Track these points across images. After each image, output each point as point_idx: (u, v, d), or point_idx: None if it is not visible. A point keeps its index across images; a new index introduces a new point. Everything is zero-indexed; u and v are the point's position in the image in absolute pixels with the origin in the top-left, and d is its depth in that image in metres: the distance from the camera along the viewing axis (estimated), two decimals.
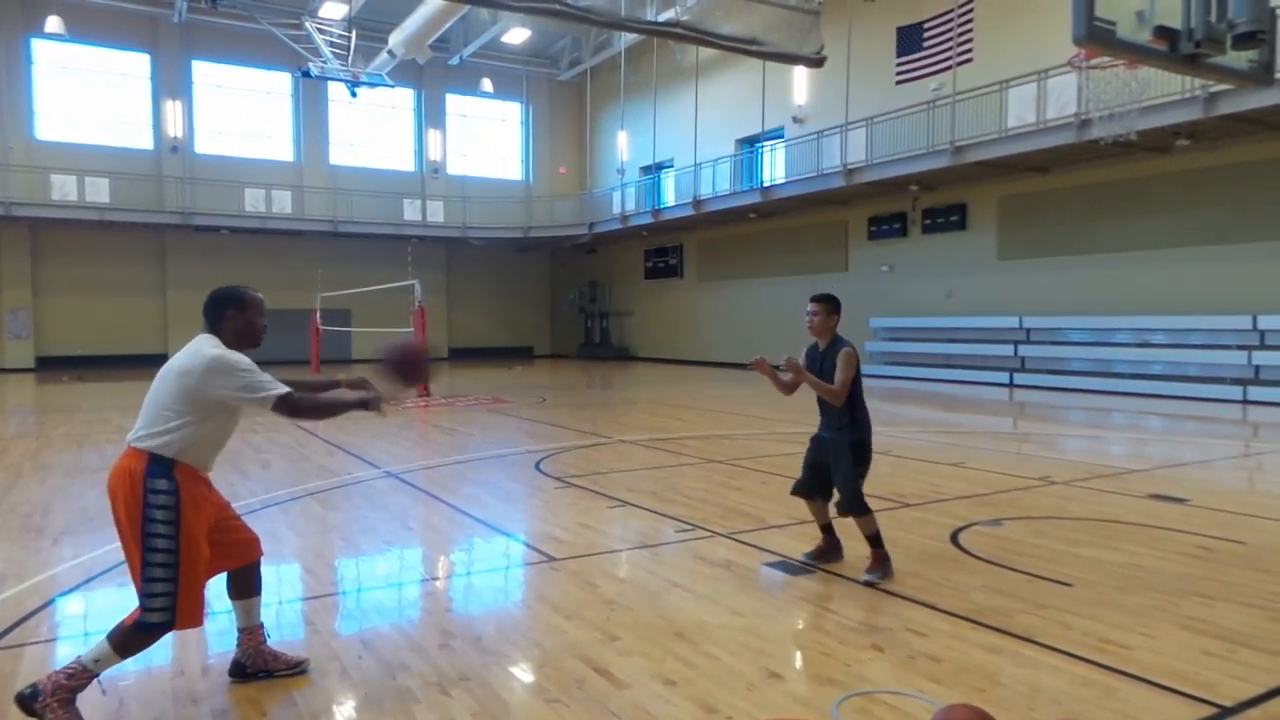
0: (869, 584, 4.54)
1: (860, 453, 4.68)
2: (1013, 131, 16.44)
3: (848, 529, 4.86)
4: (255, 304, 3.30)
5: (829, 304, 4.75)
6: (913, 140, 18.50)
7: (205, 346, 3.14)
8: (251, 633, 3.41)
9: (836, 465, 4.70)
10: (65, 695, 2.91)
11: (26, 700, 2.90)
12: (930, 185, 19.52)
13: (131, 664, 3.55)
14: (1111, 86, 9.35)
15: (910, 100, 18.85)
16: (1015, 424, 12.76)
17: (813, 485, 4.87)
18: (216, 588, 3.51)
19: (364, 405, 3.27)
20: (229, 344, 3.22)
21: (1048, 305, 17.80)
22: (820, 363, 4.73)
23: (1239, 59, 5.19)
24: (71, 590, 4.64)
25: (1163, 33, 4.90)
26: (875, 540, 4.68)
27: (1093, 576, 4.67)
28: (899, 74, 19.04)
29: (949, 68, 17.66)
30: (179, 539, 2.99)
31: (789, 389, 4.87)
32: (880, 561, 4.66)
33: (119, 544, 3.11)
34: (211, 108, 28.13)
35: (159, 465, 3.01)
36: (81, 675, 2.96)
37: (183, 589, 3.00)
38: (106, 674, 3.15)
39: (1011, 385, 17.89)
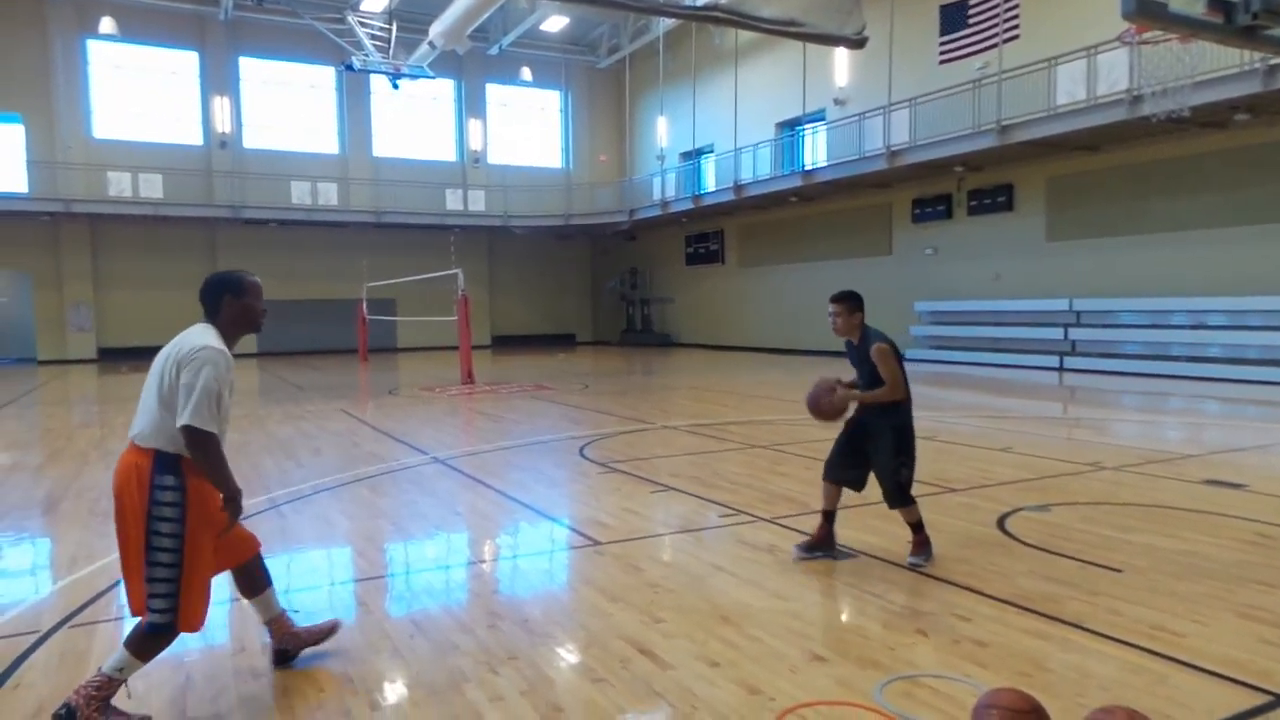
0: (914, 567, 4.53)
1: (902, 438, 4.59)
2: (1061, 109, 16.04)
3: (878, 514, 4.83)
4: (252, 288, 3.19)
5: (848, 302, 4.63)
6: (957, 121, 18.15)
7: (196, 336, 3.05)
8: (278, 622, 3.43)
9: (876, 452, 4.61)
10: (98, 704, 2.91)
11: (64, 719, 2.86)
12: (976, 166, 19.15)
13: (195, 641, 3.70)
14: (1164, 61, 9.07)
15: (954, 80, 18.48)
16: (1065, 409, 12.53)
17: (845, 469, 4.74)
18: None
19: (229, 494, 3.05)
20: (226, 330, 3.13)
21: (1099, 287, 17.39)
22: (861, 356, 4.63)
23: None
24: None
25: (1217, 4, 4.76)
26: (917, 527, 4.67)
27: (1144, 563, 4.59)
28: (943, 53, 18.69)
29: (994, 45, 17.29)
30: (184, 538, 2.93)
31: (839, 415, 4.69)
32: (922, 545, 4.65)
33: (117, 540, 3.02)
34: (258, 103, 28.67)
35: (165, 461, 2.94)
36: (108, 685, 2.94)
37: (184, 591, 2.94)
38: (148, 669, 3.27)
39: (1061, 369, 17.54)
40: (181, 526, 2.93)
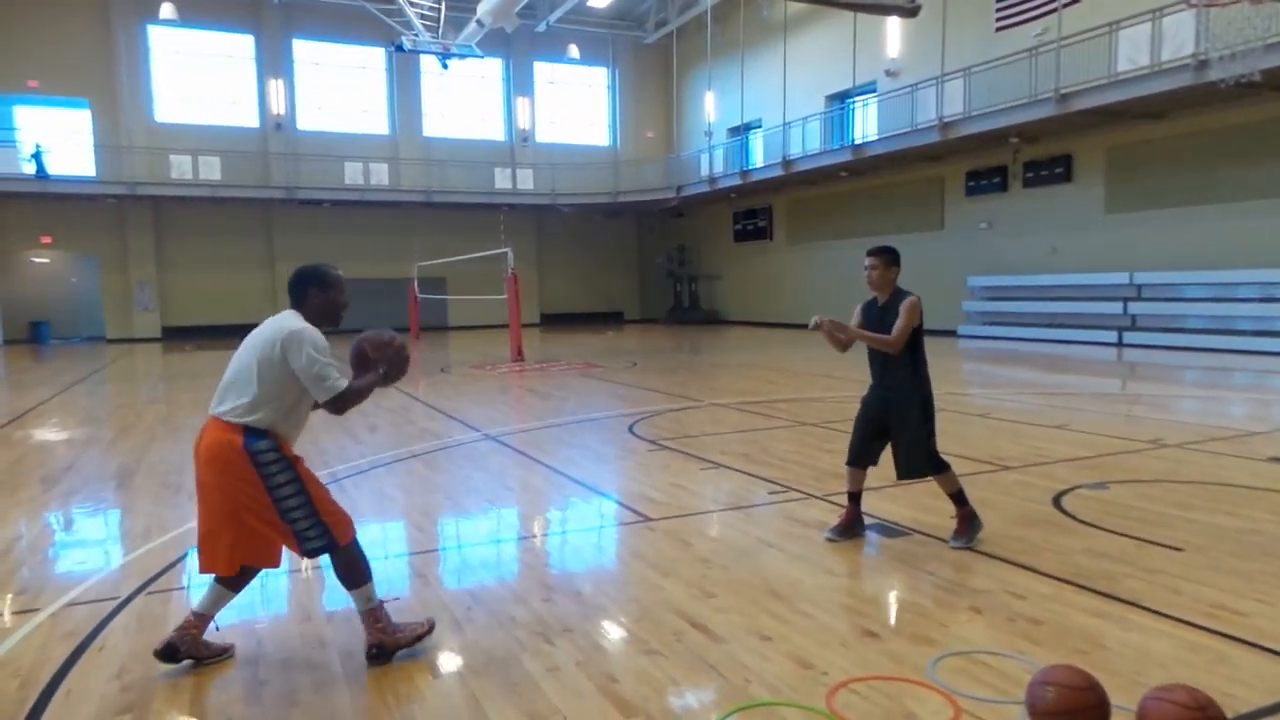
0: (962, 549, 4.49)
1: (928, 407, 4.56)
2: (1123, 76, 15.51)
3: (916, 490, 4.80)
4: (336, 283, 3.41)
5: (887, 256, 4.59)
6: (1014, 90, 17.66)
7: (288, 320, 3.27)
8: (201, 623, 3.34)
9: (903, 423, 4.53)
10: (389, 627, 3.32)
11: (378, 658, 3.28)
12: (1032, 137, 18.64)
13: (263, 610, 3.87)
14: (1233, 25, 8.68)
15: (1011, 47, 17.97)
16: (1124, 385, 12.22)
17: (870, 452, 4.71)
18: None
19: (389, 379, 3.43)
20: (311, 321, 3.32)
21: (1161, 260, 16.85)
22: (880, 317, 4.57)
23: None
24: None
25: None
26: (960, 498, 4.59)
27: (1205, 541, 4.50)
28: (999, 19, 18.14)
29: (1054, 10, 16.73)
30: (300, 477, 3.20)
31: (844, 346, 4.67)
32: (968, 520, 4.58)
33: (202, 507, 3.25)
34: (311, 85, 29.13)
35: (255, 432, 3.17)
36: (377, 614, 3.33)
37: (324, 514, 3.23)
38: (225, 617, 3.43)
39: (1120, 345, 17.10)
40: (294, 472, 3.20)
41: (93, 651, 3.46)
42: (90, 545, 5.24)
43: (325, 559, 3.33)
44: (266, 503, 3.16)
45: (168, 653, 3.24)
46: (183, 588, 4.25)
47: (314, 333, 3.25)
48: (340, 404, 3.26)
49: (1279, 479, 5.86)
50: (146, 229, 27.48)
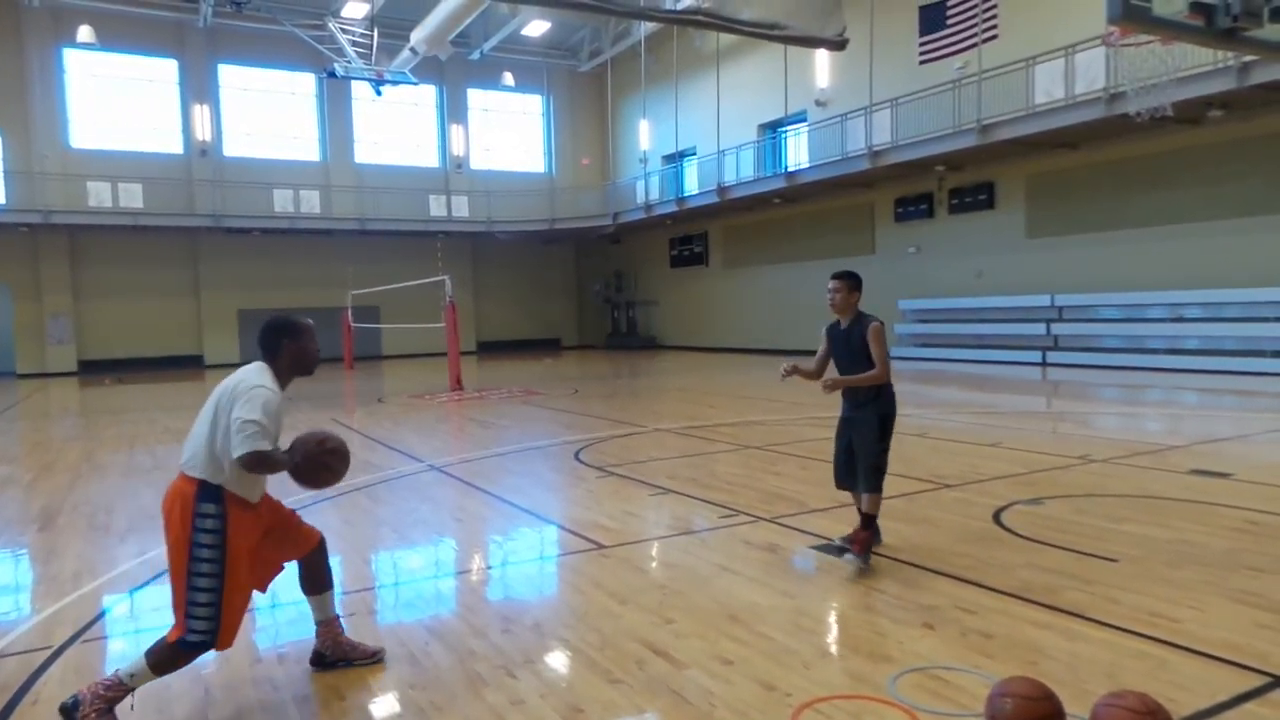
0: (840, 549, 4.63)
1: (886, 426, 4.69)
2: (1040, 108, 16.27)
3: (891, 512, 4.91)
4: (307, 331, 3.38)
5: (850, 280, 4.76)
6: (938, 120, 18.36)
7: (253, 375, 3.20)
8: (328, 625, 3.55)
9: (862, 440, 4.69)
10: (103, 705, 3.02)
11: (69, 710, 3.00)
12: (957, 165, 19.37)
13: (211, 654, 3.72)
14: (1147, 63, 9.21)
15: (935, 80, 18.69)
16: (1050, 403, 12.70)
17: (849, 474, 4.83)
18: (286, 582, 3.64)
19: (293, 465, 3.27)
20: (283, 372, 3.30)
21: (1079, 282, 17.63)
22: (845, 339, 4.72)
23: (1278, 32, 5.15)
24: (143, 586, 4.83)
25: (1199, 8, 4.89)
26: (870, 520, 4.68)
27: (1138, 552, 4.70)
28: (922, 53, 18.87)
29: (974, 45, 17.49)
30: (224, 562, 3.08)
31: (817, 375, 4.84)
32: (865, 545, 4.61)
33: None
34: (238, 111, 28.47)
35: (208, 490, 3.10)
36: (118, 688, 3.05)
37: (224, 611, 3.10)
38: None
39: (1044, 364, 17.77)
40: (221, 552, 3.09)
41: (26, 706, 3.28)
42: (15, 592, 4.98)
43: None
44: (184, 558, 3.06)
45: (315, 660, 3.52)
46: (121, 635, 4.06)
47: (270, 394, 3.15)
48: (251, 464, 3.08)
49: (1201, 490, 6.17)
50: (61, 258, 26.36)
